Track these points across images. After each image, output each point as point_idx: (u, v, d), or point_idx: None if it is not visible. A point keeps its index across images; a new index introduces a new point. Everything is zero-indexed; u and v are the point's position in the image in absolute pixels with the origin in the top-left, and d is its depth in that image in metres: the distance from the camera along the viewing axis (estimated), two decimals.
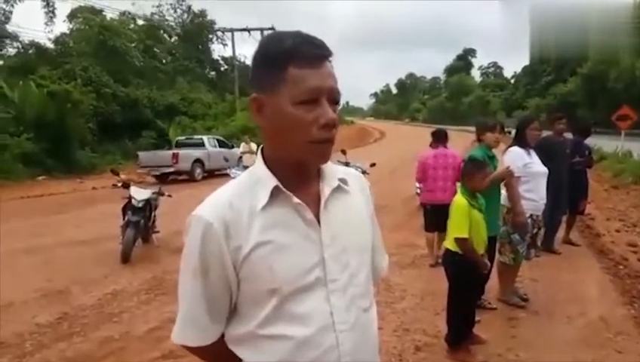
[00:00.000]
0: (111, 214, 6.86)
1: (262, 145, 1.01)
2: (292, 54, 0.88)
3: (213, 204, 0.94)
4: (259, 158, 0.98)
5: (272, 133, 0.94)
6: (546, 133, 4.92)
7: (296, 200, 0.93)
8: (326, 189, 0.97)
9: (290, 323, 0.92)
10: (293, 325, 0.92)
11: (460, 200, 3.04)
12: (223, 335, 1.00)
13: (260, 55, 0.93)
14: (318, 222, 0.95)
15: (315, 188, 0.98)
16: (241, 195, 0.94)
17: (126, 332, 3.69)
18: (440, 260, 5.24)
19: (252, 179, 0.96)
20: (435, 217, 4.90)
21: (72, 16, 26.91)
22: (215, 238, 0.91)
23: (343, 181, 1.02)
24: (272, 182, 0.93)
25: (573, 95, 35.93)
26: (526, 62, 56.91)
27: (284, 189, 0.93)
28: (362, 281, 1.00)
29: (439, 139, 5.34)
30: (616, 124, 13.41)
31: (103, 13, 26.11)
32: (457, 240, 2.98)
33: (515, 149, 3.93)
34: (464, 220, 2.96)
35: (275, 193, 0.93)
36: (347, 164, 7.28)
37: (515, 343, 3.33)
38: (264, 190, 0.93)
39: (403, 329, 3.58)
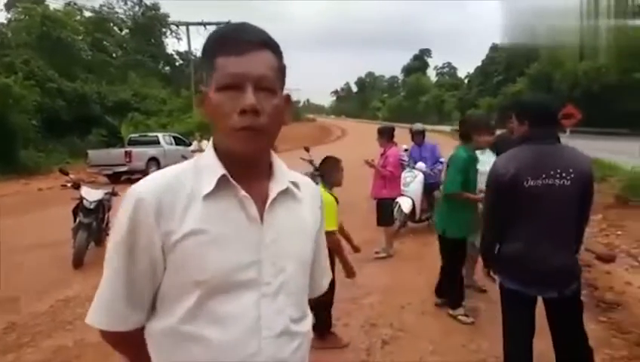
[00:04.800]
0: (60, 216, 6.49)
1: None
2: (220, 43, 0.89)
3: (150, 181, 0.91)
4: (209, 147, 0.95)
5: (210, 124, 0.92)
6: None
7: (243, 192, 0.90)
8: (274, 189, 0.94)
9: (211, 323, 0.87)
10: (214, 326, 0.87)
11: None
12: (142, 330, 0.94)
13: (202, 50, 0.93)
14: (261, 221, 0.92)
15: (264, 186, 0.95)
16: (182, 179, 0.91)
17: (80, 339, 3.49)
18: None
19: (198, 166, 0.93)
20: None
21: (9, 5, 25.31)
22: (144, 213, 0.87)
23: (295, 185, 0.99)
24: (219, 170, 0.90)
25: (522, 94, 37.75)
26: (478, 63, 59.06)
27: (231, 180, 0.90)
28: (294, 290, 0.97)
29: (391, 136, 5.55)
30: (560, 122, 14.22)
31: (46, 3, 24.70)
32: None
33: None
34: None
35: (221, 183, 0.89)
36: (312, 162, 7.24)
37: (477, 333, 3.45)
38: (210, 177, 0.89)
39: (370, 325, 3.62)
